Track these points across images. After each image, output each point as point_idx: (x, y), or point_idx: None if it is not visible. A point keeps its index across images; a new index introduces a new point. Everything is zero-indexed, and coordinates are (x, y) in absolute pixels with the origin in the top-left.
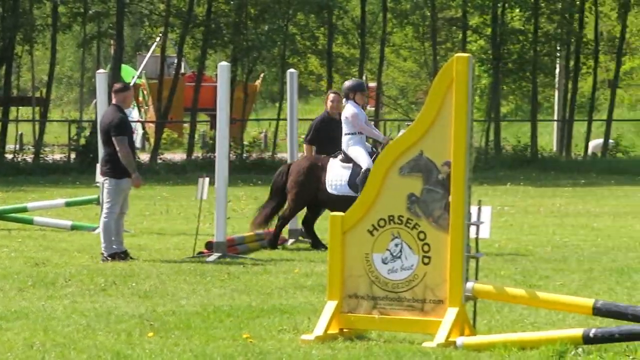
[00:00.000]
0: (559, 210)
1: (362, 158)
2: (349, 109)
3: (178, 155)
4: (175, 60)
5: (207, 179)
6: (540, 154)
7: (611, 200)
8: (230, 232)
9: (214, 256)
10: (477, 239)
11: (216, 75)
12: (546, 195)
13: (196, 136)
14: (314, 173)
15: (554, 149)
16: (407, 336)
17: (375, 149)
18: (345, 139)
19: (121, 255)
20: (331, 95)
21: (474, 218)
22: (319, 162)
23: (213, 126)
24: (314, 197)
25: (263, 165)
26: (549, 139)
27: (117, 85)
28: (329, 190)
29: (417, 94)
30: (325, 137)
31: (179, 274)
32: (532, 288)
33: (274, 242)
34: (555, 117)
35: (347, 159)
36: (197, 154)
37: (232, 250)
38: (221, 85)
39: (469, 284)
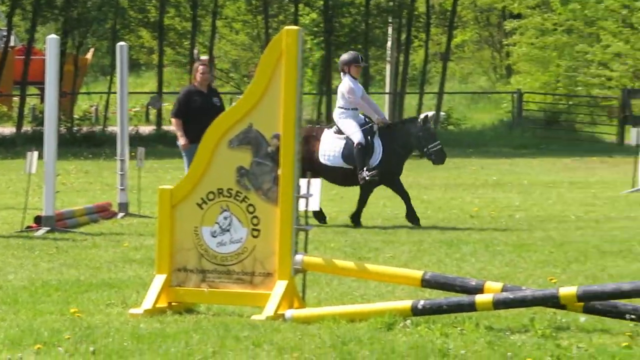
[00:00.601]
0: None
1: (353, 133)
2: (345, 84)
3: (7, 129)
4: (5, 33)
5: (35, 153)
6: None
7: (442, 172)
8: (60, 206)
9: (43, 230)
10: (306, 211)
11: (46, 48)
12: None
13: (26, 110)
14: (308, 143)
15: None
16: (237, 309)
17: (368, 119)
18: (337, 112)
19: None
20: (200, 67)
21: (303, 191)
22: (314, 132)
23: (43, 100)
24: (310, 168)
25: (93, 139)
26: None
27: None
28: (322, 160)
29: (249, 67)
30: (191, 109)
31: (7, 248)
32: (362, 260)
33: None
34: (387, 90)
35: (340, 131)
36: (27, 127)
37: (61, 224)
38: (50, 59)
39: (298, 257)
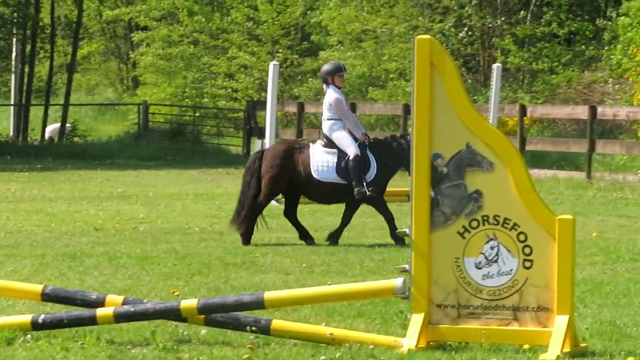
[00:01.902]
0: (13, 196)
1: (348, 145)
2: (331, 95)
3: None
4: None
5: None
6: None
7: (67, 184)
8: None
9: None
10: None
11: None
12: (1, 180)
13: None
14: (292, 156)
15: (11, 133)
16: None
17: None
18: (327, 124)
19: None
20: None
21: None
22: (297, 144)
23: None
24: (290, 183)
25: None
26: (6, 123)
27: None
28: (315, 175)
29: None
30: None
31: None
32: None
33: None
34: (12, 102)
35: (330, 144)
36: None
37: None
38: None
39: None
